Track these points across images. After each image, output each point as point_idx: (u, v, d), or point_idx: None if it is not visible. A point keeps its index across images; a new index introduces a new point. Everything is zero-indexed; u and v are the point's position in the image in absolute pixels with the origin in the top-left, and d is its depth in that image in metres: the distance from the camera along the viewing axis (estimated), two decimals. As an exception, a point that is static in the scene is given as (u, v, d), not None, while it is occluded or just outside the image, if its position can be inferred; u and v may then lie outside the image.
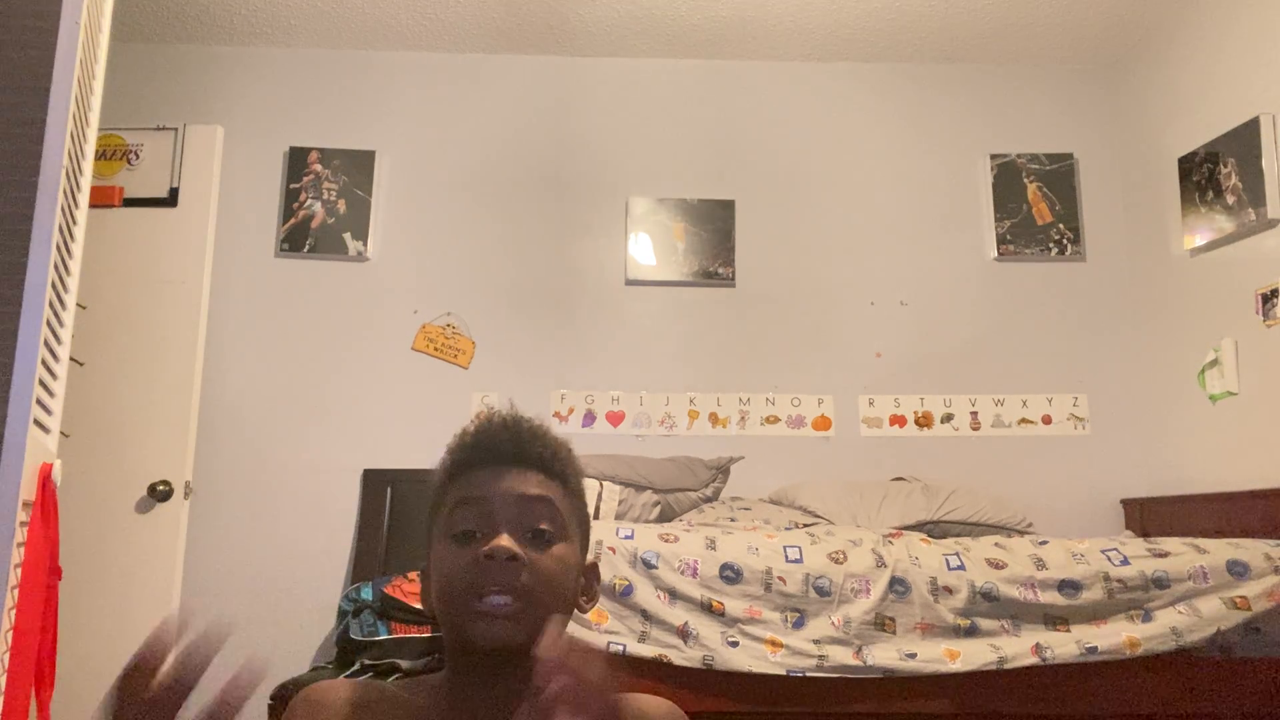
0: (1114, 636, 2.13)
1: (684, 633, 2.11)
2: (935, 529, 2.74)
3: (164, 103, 3.48)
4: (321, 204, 3.45)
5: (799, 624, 2.13)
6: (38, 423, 1.39)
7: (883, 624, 2.14)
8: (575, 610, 0.94)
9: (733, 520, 2.79)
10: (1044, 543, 2.33)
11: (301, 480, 3.27)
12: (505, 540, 0.86)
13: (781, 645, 2.10)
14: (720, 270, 3.48)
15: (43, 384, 1.40)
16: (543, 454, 0.93)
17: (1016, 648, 2.11)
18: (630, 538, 2.22)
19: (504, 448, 0.92)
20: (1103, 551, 2.26)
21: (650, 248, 3.49)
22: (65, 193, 1.45)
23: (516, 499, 0.89)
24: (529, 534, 0.88)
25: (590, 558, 0.98)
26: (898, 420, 3.40)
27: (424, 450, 3.28)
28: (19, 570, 1.33)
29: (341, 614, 2.76)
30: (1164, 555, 2.25)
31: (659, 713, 0.92)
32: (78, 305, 1.80)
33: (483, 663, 0.87)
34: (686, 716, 0.94)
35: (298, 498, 3.26)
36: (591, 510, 2.78)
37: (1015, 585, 2.18)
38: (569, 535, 0.92)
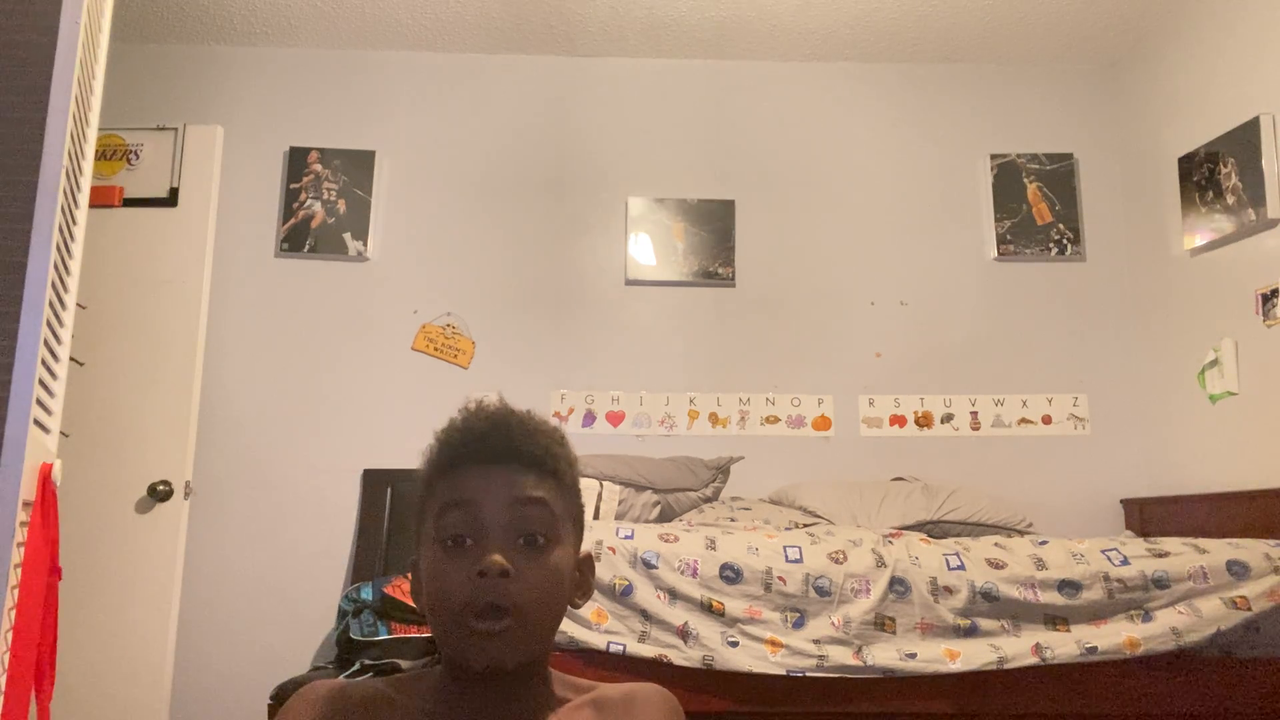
0: (1114, 636, 2.13)
1: (684, 633, 2.11)
2: (935, 529, 2.74)
3: (164, 103, 3.48)
4: (321, 204, 3.45)
5: (799, 624, 2.13)
6: (38, 423, 1.39)
7: (883, 624, 2.14)
8: (569, 607, 0.92)
9: (733, 520, 2.79)
10: (1044, 543, 2.33)
11: (301, 480, 3.27)
12: (497, 557, 0.83)
13: (781, 645, 2.10)
14: (720, 270, 3.47)
15: (43, 384, 1.40)
16: (534, 451, 0.89)
17: (1016, 648, 2.11)
18: (630, 538, 2.22)
19: (494, 445, 0.88)
20: (1103, 551, 2.26)
21: (650, 248, 3.49)
22: (65, 193, 1.45)
23: (508, 504, 0.86)
24: (521, 540, 0.86)
25: (585, 549, 0.96)
26: (898, 420, 3.40)
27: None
28: (19, 570, 1.33)
29: (341, 614, 2.76)
30: (1164, 555, 2.25)
31: (652, 700, 0.91)
32: (78, 305, 1.80)
33: (478, 676, 0.86)
34: (680, 705, 0.93)
35: (298, 498, 3.26)
36: (591, 510, 2.79)
37: (1015, 585, 2.18)
38: (562, 537, 0.89)
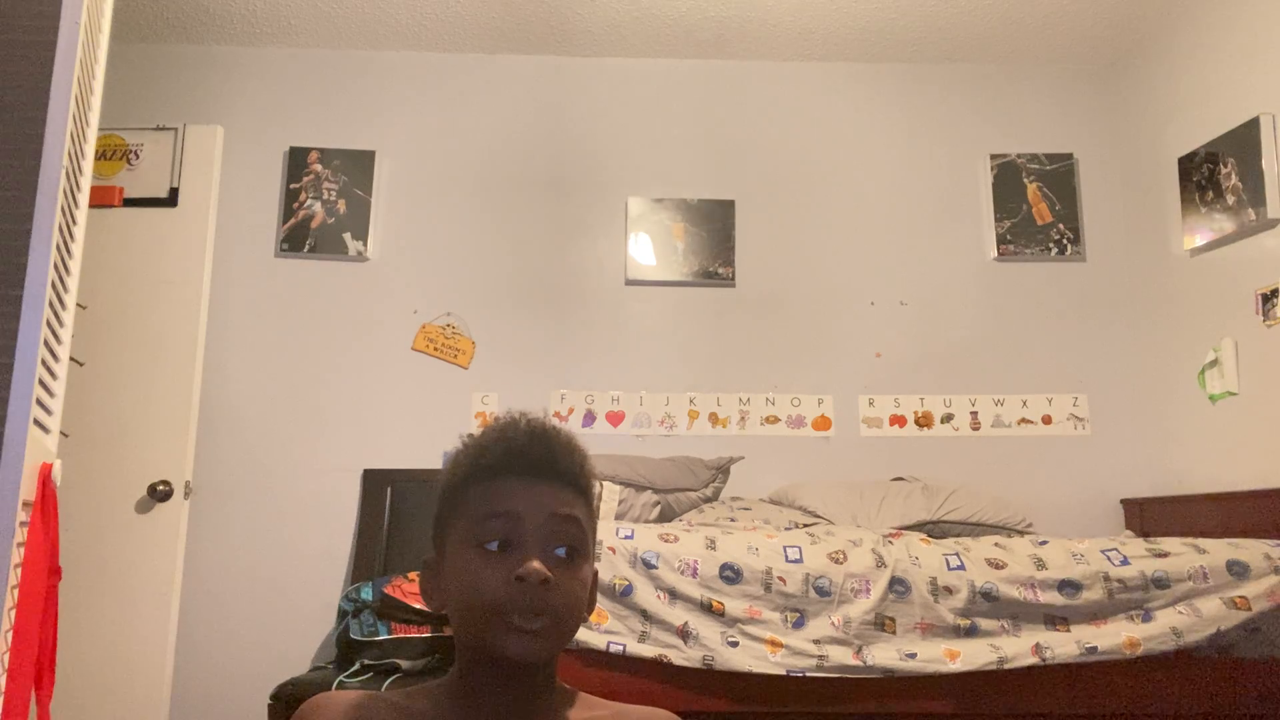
0: (1114, 636, 2.13)
1: (684, 633, 2.11)
2: (935, 529, 2.74)
3: (164, 103, 3.48)
4: (321, 204, 3.45)
5: (799, 624, 2.13)
6: (38, 423, 1.39)
7: (883, 624, 2.14)
8: None
9: (733, 520, 2.79)
10: (1044, 543, 2.33)
11: (301, 480, 3.27)
12: (538, 564, 0.86)
13: (781, 645, 2.10)
14: (720, 270, 3.47)
15: (43, 384, 1.40)
16: (571, 468, 0.93)
17: (1016, 648, 2.11)
18: (630, 538, 2.22)
19: (538, 459, 0.92)
20: (1103, 551, 2.26)
21: (650, 248, 3.49)
22: (65, 193, 1.45)
23: (549, 518, 0.89)
24: (559, 551, 0.89)
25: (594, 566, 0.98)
26: (898, 420, 3.40)
27: (424, 450, 3.28)
28: (19, 570, 1.33)
29: (341, 614, 2.76)
30: (1164, 555, 2.25)
31: None
32: (78, 305, 1.80)
33: (501, 670, 0.88)
34: None
35: (298, 498, 3.26)
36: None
37: (1015, 585, 2.18)
38: (589, 552, 0.93)
